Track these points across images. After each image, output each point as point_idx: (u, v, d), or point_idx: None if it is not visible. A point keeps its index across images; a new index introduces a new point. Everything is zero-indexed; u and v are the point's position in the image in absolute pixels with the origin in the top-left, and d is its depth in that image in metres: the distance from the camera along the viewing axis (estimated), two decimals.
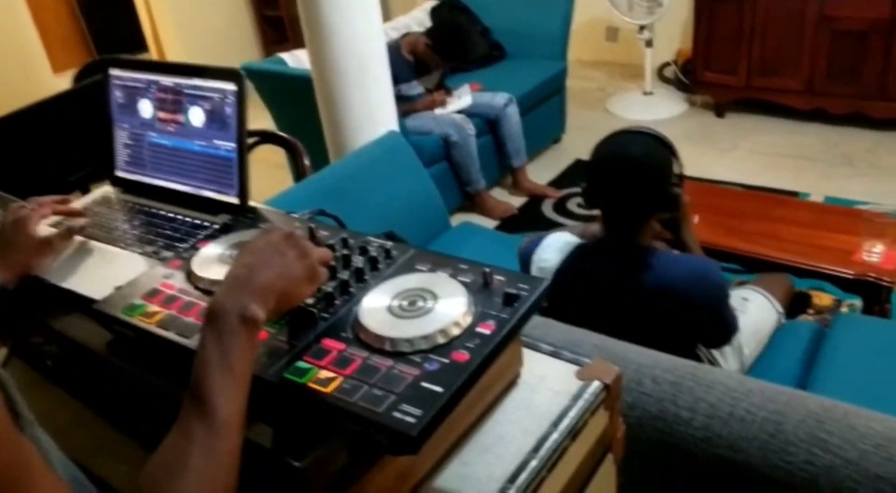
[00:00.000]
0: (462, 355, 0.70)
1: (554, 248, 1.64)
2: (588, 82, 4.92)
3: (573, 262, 1.58)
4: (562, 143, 4.14)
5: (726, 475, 1.10)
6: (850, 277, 2.00)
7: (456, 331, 0.73)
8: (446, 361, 0.69)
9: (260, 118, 3.40)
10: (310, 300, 0.77)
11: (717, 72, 4.06)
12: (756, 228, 2.25)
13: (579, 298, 1.57)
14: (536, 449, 0.78)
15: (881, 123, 3.73)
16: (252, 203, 1.07)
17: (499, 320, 0.74)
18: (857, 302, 2.20)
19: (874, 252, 2.02)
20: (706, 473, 1.12)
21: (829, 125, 3.89)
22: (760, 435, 1.08)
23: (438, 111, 3.40)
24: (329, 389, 0.68)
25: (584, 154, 3.96)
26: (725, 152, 3.84)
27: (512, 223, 3.39)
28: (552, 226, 3.30)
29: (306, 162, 2.20)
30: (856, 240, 2.06)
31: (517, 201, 3.58)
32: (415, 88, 3.43)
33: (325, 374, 0.70)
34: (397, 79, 3.27)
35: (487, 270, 0.80)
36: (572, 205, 3.47)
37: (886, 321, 1.80)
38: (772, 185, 3.41)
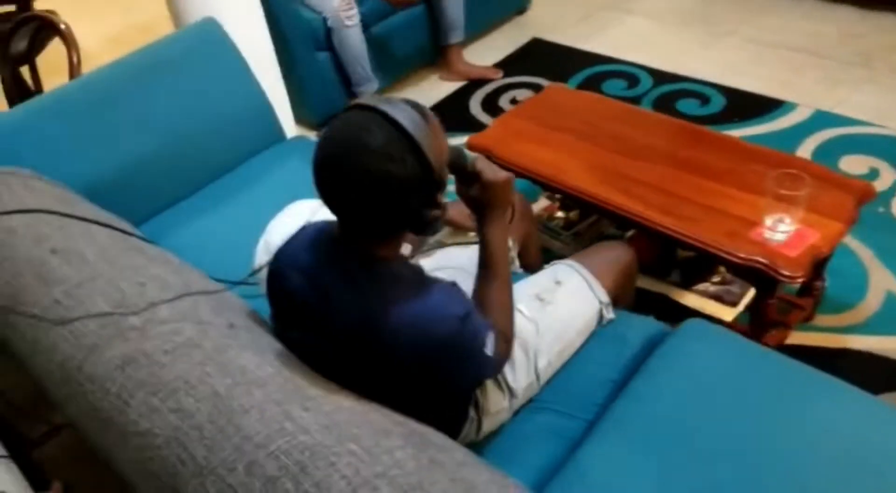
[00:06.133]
0: None
1: (286, 223, 1.21)
2: None
3: (292, 249, 1.15)
4: (527, 14, 3.46)
5: None
6: (737, 261, 1.51)
7: None
8: None
9: None
10: None
11: None
12: (649, 176, 1.72)
13: (289, 297, 1.16)
14: None
15: None
16: None
17: None
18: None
19: (779, 230, 1.51)
20: None
21: (861, 10, 3.11)
22: None
23: None
24: None
25: (550, 32, 3.36)
26: (717, 39, 3.12)
27: None
28: (472, 128, 2.74)
29: (74, 60, 1.75)
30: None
31: (448, 89, 3.02)
32: None
33: None
34: None
35: None
36: (505, 102, 2.90)
37: (744, 341, 1.34)
38: (753, 88, 2.76)
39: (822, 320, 1.88)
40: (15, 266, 1.19)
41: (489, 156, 1.91)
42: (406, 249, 1.29)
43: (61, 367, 1.07)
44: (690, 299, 1.87)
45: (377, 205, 0.97)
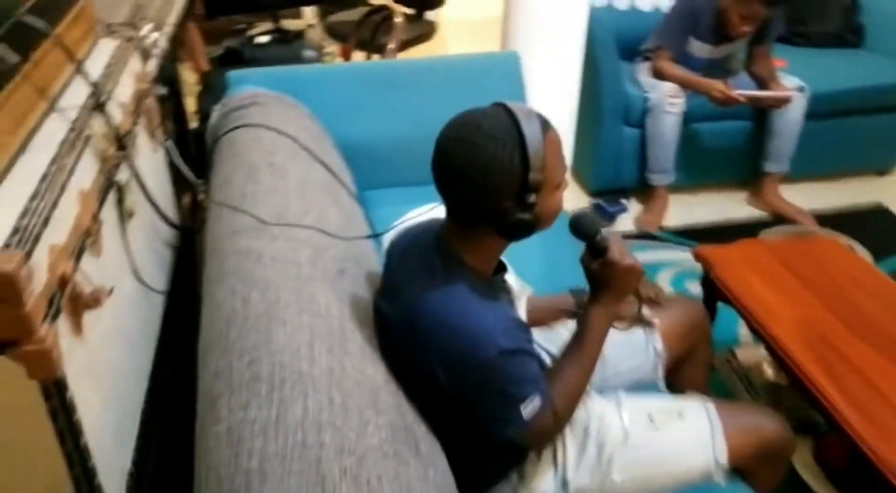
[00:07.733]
0: None
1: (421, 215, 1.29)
2: None
3: (410, 230, 1.23)
4: (887, 178, 3.04)
5: None
6: None
7: None
8: None
9: None
10: None
11: None
12: (864, 360, 1.42)
13: (388, 265, 1.24)
14: None
15: None
16: None
17: None
18: None
19: None
20: None
21: None
22: None
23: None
24: None
25: None
26: None
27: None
28: None
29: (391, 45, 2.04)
30: None
31: (746, 214, 2.80)
32: (700, 49, 2.62)
33: None
34: (693, 28, 2.58)
35: None
36: None
37: None
38: None
39: None
40: (241, 163, 1.49)
41: (708, 271, 1.78)
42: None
43: (213, 238, 1.31)
44: None
45: (468, 179, 1.01)
